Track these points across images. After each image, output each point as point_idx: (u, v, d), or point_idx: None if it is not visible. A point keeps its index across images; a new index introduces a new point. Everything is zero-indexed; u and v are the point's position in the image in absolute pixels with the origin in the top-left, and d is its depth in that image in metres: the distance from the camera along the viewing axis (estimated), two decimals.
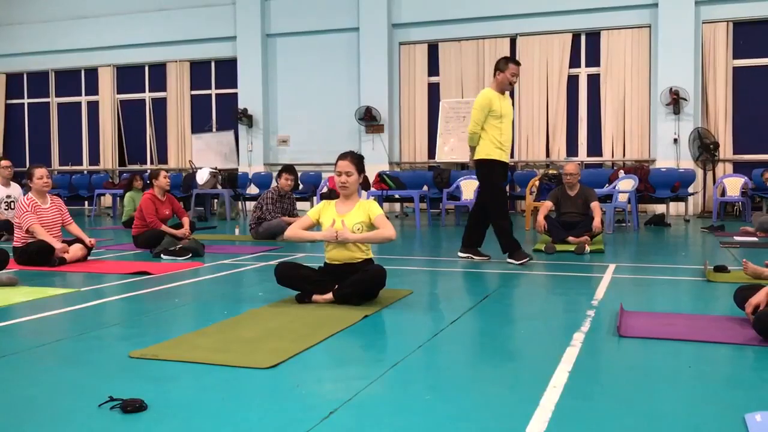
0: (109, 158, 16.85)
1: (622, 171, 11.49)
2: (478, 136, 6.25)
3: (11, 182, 9.08)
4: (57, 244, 6.27)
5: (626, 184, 10.46)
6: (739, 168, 12.58)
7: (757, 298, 3.45)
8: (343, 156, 4.49)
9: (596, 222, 7.50)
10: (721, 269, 5.42)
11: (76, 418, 2.35)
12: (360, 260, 4.41)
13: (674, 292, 5.02)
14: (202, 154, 15.43)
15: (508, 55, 13.67)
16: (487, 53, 13.94)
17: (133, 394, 2.47)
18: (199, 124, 16.12)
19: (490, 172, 6.30)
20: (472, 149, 6.41)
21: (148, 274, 5.70)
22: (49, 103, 17.51)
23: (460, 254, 6.61)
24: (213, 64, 16.11)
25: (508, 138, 6.32)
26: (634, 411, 2.38)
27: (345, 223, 4.35)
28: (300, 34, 15.11)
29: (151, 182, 7.84)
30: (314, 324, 3.70)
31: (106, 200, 15.59)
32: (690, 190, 11.81)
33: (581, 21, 13.35)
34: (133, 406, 2.35)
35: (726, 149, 12.70)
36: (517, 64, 6.38)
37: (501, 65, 6.32)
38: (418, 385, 2.72)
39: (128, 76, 16.78)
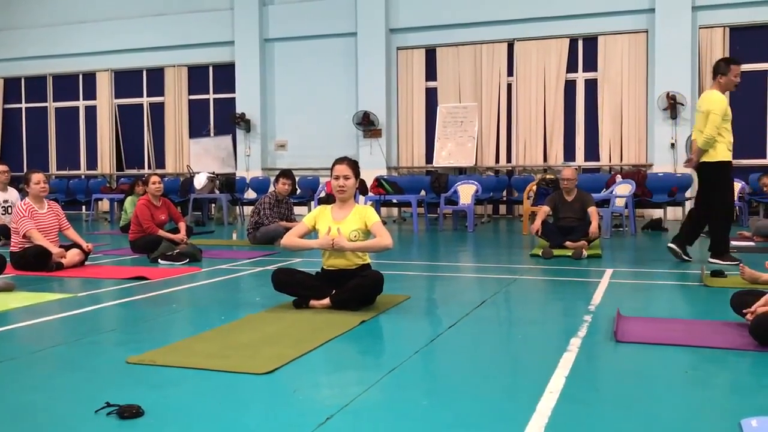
0: (106, 163, 16.83)
1: (619, 176, 11.50)
2: (714, 141, 6.21)
3: (8, 187, 9.07)
4: (54, 249, 6.27)
5: (623, 189, 10.47)
6: (736, 173, 12.47)
7: (760, 307, 3.45)
8: (339, 160, 4.48)
9: (593, 227, 7.51)
10: (718, 274, 5.43)
11: (73, 423, 2.35)
12: (357, 266, 4.41)
13: (671, 297, 5.03)
14: (200, 159, 15.42)
15: (504, 60, 13.79)
16: (484, 58, 13.96)
17: (130, 399, 2.47)
18: (197, 128, 16.11)
19: (725, 174, 6.32)
20: (701, 152, 6.32)
21: (146, 279, 5.70)
22: (46, 107, 17.49)
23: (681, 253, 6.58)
24: (211, 69, 16.11)
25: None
26: (631, 416, 2.38)
27: (341, 231, 4.33)
28: (298, 38, 15.12)
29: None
30: (311, 329, 3.70)
31: (104, 205, 15.57)
32: (687, 194, 11.81)
33: (578, 26, 13.37)
34: (130, 412, 2.35)
35: None
36: (738, 63, 6.34)
37: (722, 68, 6.29)
38: (415, 390, 2.72)
39: (126, 81, 16.77)
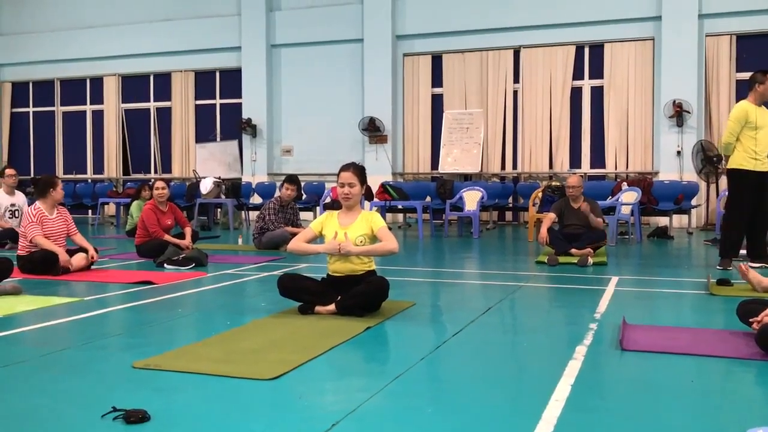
0: (113, 167, 16.89)
1: (625, 183, 11.48)
2: (732, 146, 6.57)
3: (16, 191, 9.12)
4: (61, 253, 6.29)
5: (629, 197, 10.46)
6: None
7: (766, 316, 3.43)
8: (345, 167, 4.49)
9: (597, 221, 7.56)
10: (724, 282, 5.41)
11: (80, 428, 2.35)
12: (362, 272, 4.42)
13: (677, 306, 5.02)
14: (206, 164, 15.45)
15: (510, 67, 13.81)
16: (490, 65, 13.97)
17: (137, 404, 2.48)
18: (204, 133, 16.16)
19: (738, 181, 6.59)
20: (727, 158, 6.77)
21: (152, 283, 5.71)
22: (54, 111, 17.58)
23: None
24: (218, 74, 16.16)
25: (764, 148, 6.51)
26: (637, 425, 2.38)
27: (347, 236, 4.34)
28: (304, 44, 15.16)
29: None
30: (317, 335, 3.71)
31: (110, 209, 15.60)
32: (693, 202, 11.80)
33: (585, 33, 13.38)
34: (136, 417, 2.36)
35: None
36: None
37: (759, 78, 6.59)
38: (421, 397, 2.72)
39: (133, 86, 16.84)
